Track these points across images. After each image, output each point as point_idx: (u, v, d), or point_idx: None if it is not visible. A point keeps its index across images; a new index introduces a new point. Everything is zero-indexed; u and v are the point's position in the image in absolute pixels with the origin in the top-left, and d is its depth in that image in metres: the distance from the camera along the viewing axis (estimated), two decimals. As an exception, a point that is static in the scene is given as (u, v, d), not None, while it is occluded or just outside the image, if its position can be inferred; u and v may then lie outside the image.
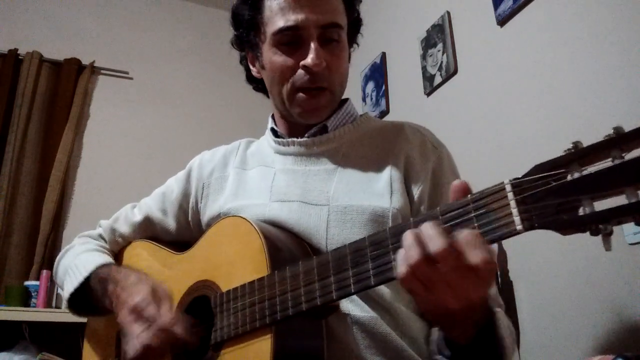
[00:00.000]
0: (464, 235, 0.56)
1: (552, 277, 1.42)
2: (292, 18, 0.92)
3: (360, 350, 0.80)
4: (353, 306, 0.82)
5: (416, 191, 0.91)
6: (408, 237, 0.58)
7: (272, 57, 0.96)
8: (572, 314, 1.35)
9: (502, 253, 1.70)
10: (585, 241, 1.34)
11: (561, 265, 1.40)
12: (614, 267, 1.26)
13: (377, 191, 0.90)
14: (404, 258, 0.58)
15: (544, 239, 1.49)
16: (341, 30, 0.97)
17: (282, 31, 0.93)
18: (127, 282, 0.90)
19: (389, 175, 0.92)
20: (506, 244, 1.68)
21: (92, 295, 0.99)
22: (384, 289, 0.85)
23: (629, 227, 1.22)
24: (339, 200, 0.90)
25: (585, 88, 1.40)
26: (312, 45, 0.92)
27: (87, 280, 0.99)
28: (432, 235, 0.56)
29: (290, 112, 0.99)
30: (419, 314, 0.89)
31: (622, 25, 1.32)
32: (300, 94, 0.95)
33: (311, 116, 0.98)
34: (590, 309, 1.31)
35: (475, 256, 0.55)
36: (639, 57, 1.26)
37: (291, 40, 0.93)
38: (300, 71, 0.93)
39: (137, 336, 0.79)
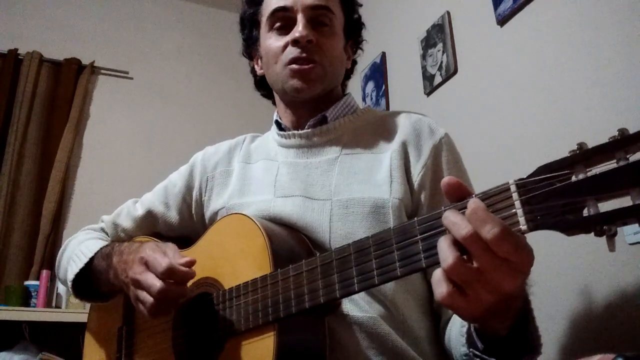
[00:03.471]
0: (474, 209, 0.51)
1: (552, 277, 1.42)
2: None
3: (360, 351, 0.80)
4: (352, 306, 0.82)
5: (416, 177, 0.92)
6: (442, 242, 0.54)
7: (267, 42, 1.02)
8: (572, 314, 1.35)
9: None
10: (585, 241, 1.34)
11: (561, 265, 1.40)
12: (614, 267, 1.26)
13: (377, 181, 0.91)
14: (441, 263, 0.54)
15: (544, 239, 1.49)
16: (332, 14, 1.00)
17: (273, 14, 0.99)
18: (132, 248, 0.92)
19: (388, 163, 0.93)
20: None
21: (95, 275, 1.00)
22: (386, 288, 0.85)
23: (629, 227, 1.22)
24: (341, 194, 0.91)
25: (586, 88, 1.39)
26: (300, 20, 0.97)
27: (91, 262, 1.01)
28: (455, 221, 0.53)
29: (286, 90, 1.00)
30: (422, 314, 0.88)
31: (622, 25, 1.32)
32: (291, 65, 0.97)
33: (303, 86, 0.98)
34: (590, 309, 1.31)
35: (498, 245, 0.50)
36: None
37: (283, 23, 0.99)
38: (289, 47, 0.97)
39: (151, 283, 0.79)
